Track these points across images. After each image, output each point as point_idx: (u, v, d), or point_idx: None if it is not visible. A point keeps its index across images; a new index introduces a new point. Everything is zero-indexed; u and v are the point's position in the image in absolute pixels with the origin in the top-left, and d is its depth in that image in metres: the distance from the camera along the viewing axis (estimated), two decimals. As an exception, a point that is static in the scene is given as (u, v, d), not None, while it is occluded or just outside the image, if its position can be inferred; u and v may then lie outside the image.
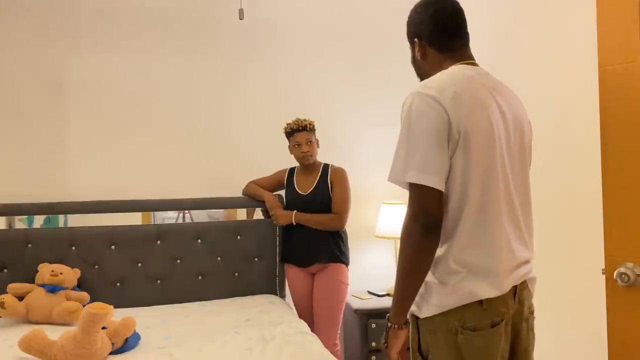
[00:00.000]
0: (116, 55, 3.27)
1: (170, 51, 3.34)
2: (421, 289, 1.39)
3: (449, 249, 1.36)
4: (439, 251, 1.38)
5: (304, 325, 2.57)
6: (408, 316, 1.44)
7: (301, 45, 3.52)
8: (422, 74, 1.57)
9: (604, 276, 1.56)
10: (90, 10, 3.24)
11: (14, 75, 3.15)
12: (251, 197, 3.21)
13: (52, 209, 3.05)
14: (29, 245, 2.96)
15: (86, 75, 3.23)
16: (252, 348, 2.24)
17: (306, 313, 2.99)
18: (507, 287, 1.38)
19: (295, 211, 2.97)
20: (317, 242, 2.94)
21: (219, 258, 3.19)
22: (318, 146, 3.01)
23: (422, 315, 1.39)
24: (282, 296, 3.25)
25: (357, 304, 3.21)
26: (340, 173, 2.99)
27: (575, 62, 2.36)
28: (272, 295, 3.19)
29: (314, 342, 2.34)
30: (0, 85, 3.14)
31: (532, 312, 1.52)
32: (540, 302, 2.56)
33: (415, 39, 1.55)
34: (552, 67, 2.52)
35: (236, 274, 3.22)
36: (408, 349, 1.46)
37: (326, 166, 3.03)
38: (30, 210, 3.03)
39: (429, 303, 1.38)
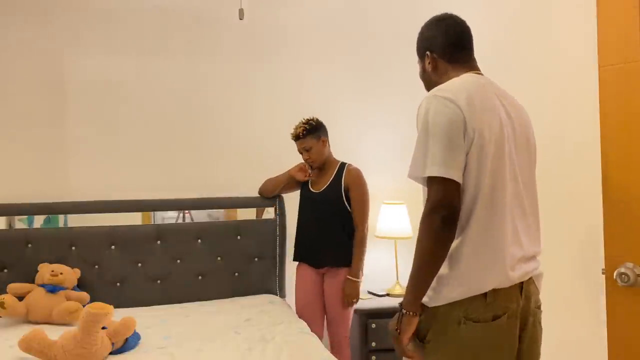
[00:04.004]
0: (116, 55, 3.27)
1: (170, 51, 3.34)
2: (433, 280, 1.45)
3: (461, 242, 1.43)
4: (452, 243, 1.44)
5: (304, 325, 2.57)
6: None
7: (302, 46, 3.52)
8: (432, 85, 1.65)
9: (604, 276, 1.56)
10: (90, 10, 3.24)
11: (14, 75, 3.15)
12: (274, 189, 3.15)
13: (52, 209, 3.05)
14: (29, 245, 2.96)
15: (86, 75, 3.23)
16: (252, 348, 2.24)
17: (312, 311, 2.95)
18: (513, 280, 1.44)
19: (351, 276, 2.87)
20: (330, 245, 2.91)
21: (219, 258, 3.19)
22: (324, 146, 2.97)
23: (430, 305, 1.46)
24: (282, 296, 3.25)
25: (357, 304, 3.20)
26: (355, 177, 2.93)
27: (575, 62, 2.36)
28: (272, 295, 3.19)
29: (314, 342, 2.34)
30: (0, 85, 3.14)
31: (539, 307, 1.58)
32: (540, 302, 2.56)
33: (427, 52, 1.66)
34: (552, 67, 2.52)
35: (236, 274, 3.22)
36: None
37: (343, 165, 2.99)
38: (30, 210, 3.03)
39: (438, 293, 1.44)
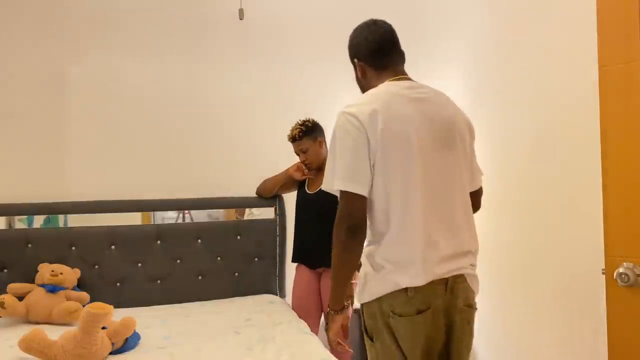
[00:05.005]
0: (115, 55, 3.27)
1: (170, 51, 3.34)
2: (362, 279, 1.61)
3: (378, 247, 1.56)
4: (373, 248, 1.58)
5: (304, 325, 2.57)
6: (357, 303, 1.65)
7: (301, 45, 3.52)
8: (365, 90, 1.72)
9: (604, 276, 1.56)
10: (89, 11, 3.24)
11: (14, 76, 3.15)
12: (273, 188, 3.14)
13: (52, 209, 3.05)
14: (29, 245, 2.97)
15: (86, 76, 3.23)
16: (252, 348, 2.24)
17: (307, 311, 2.95)
18: (428, 278, 1.52)
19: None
20: (325, 246, 2.87)
21: (219, 258, 3.19)
22: (321, 146, 2.95)
23: (362, 301, 1.61)
24: (282, 296, 3.25)
25: (356, 304, 3.20)
26: None
27: (575, 62, 2.36)
28: (272, 295, 3.19)
29: (314, 342, 2.34)
30: (0, 85, 3.14)
31: (469, 305, 1.62)
32: (541, 302, 2.56)
33: (355, 60, 1.74)
34: (552, 67, 2.52)
35: (236, 274, 3.22)
36: (364, 331, 1.64)
37: None
38: (30, 210, 3.03)
39: (367, 291, 1.59)
